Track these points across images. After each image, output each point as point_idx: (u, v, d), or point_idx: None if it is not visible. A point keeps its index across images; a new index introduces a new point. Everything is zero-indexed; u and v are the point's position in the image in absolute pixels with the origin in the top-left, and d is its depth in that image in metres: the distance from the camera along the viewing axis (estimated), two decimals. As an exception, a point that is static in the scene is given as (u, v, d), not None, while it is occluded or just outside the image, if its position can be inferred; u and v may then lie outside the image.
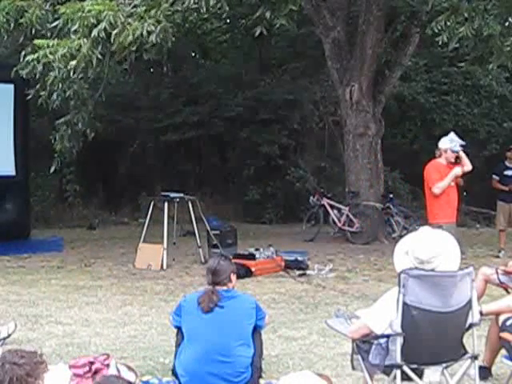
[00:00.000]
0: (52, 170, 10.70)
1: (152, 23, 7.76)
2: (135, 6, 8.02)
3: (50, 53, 7.94)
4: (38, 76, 8.92)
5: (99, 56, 8.18)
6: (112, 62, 9.53)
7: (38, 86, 9.35)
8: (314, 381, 3.77)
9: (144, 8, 7.88)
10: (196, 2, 7.94)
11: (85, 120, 10.12)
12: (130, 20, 7.83)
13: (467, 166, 7.91)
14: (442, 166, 7.81)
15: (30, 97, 9.81)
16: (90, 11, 7.75)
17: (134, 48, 8.20)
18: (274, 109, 16.52)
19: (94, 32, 7.72)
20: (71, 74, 8.18)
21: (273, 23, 8.79)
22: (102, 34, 7.80)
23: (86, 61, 7.99)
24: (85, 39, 7.83)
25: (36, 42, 8.14)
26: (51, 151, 10.82)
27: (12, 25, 8.91)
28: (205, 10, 8.11)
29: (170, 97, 17.37)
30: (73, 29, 7.89)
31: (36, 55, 8.05)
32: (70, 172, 15.94)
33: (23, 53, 9.11)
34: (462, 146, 7.90)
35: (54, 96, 9.19)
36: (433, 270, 3.67)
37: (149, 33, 7.80)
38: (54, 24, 8.32)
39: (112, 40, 7.88)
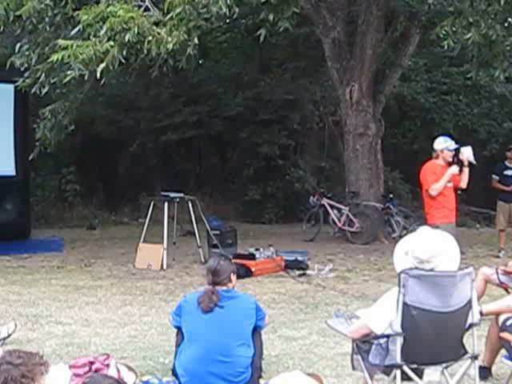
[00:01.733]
0: (30, 157, 10.66)
1: (186, 33, 7.71)
2: (162, 13, 7.94)
3: (74, 54, 7.82)
4: (32, 65, 8.87)
5: (123, 60, 8.09)
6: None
7: (26, 75, 9.22)
8: (304, 381, 3.76)
9: (176, 17, 7.79)
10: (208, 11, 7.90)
11: (69, 109, 10.03)
12: (154, 27, 7.77)
13: (463, 182, 7.89)
14: (438, 167, 7.72)
15: (18, 83, 9.50)
16: (119, 16, 7.68)
17: (165, 56, 8.16)
18: (274, 109, 16.49)
19: (128, 36, 7.63)
20: (97, 76, 8.08)
21: (276, 26, 8.74)
22: (135, 39, 7.72)
23: (113, 64, 7.91)
24: (111, 42, 7.74)
25: (60, 42, 8.03)
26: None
27: (11, 18, 8.86)
28: (215, 13, 8.05)
29: (169, 97, 17.35)
30: (102, 32, 7.77)
31: (60, 55, 7.90)
32: (70, 172, 15.94)
33: (19, 44, 9.11)
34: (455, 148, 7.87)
35: (43, 78, 8.99)
36: (432, 270, 3.67)
37: (185, 44, 7.77)
38: (75, 30, 8.22)
39: (145, 48, 7.79)
